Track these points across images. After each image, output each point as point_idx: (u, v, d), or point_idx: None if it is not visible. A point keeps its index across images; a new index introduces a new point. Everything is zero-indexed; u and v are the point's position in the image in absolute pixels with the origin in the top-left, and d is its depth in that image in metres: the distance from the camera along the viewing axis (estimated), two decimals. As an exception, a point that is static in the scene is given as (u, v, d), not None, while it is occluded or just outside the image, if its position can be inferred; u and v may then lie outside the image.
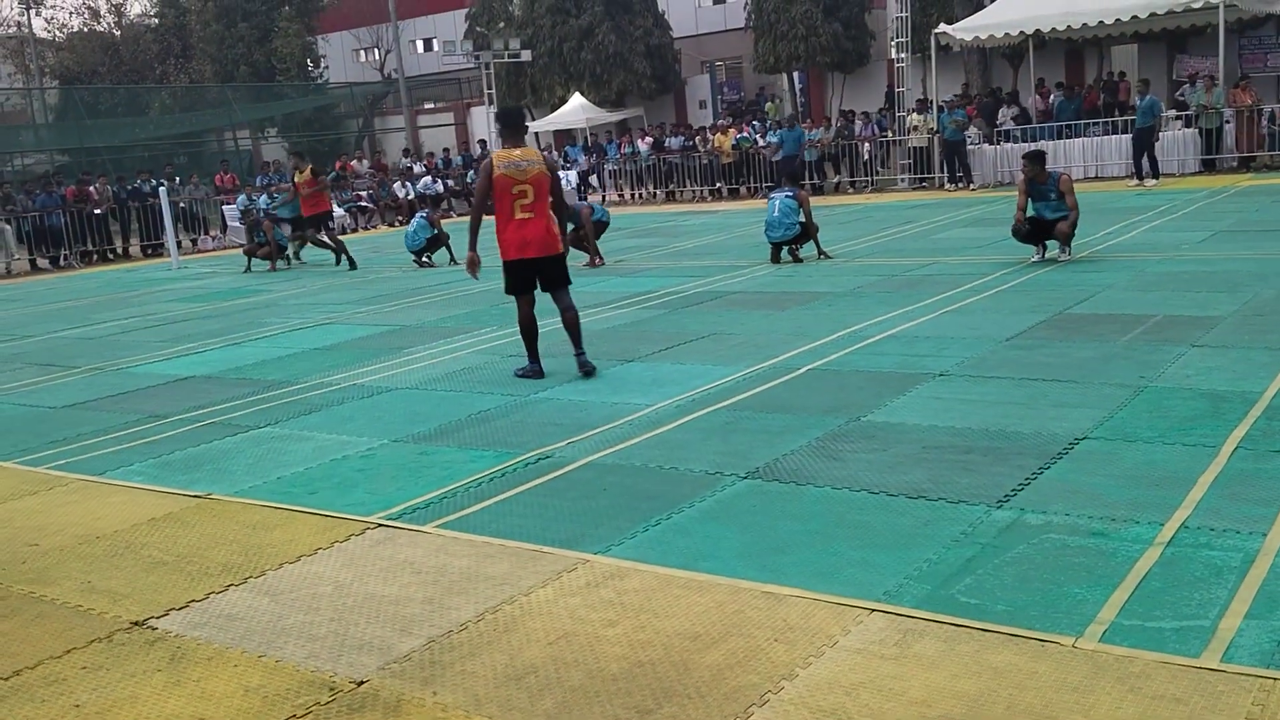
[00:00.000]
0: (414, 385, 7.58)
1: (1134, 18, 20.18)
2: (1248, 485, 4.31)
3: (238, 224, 24.78)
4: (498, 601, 3.81)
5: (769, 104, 31.16)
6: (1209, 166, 19.81)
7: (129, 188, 23.73)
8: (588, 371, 7.26)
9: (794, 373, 6.86)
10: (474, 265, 7.27)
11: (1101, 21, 20.39)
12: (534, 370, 7.39)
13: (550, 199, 7.14)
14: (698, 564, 4.00)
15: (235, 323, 11.50)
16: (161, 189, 21.12)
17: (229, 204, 24.98)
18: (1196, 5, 19.37)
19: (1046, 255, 10.70)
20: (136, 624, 3.89)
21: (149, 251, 23.41)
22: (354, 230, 25.14)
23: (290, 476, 5.59)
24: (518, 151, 7.04)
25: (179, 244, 21.25)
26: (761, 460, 5.16)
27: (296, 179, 16.96)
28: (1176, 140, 19.96)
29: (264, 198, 23.02)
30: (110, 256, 23.22)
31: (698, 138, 26.62)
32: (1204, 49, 23.31)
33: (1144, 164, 18.60)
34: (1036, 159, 10.66)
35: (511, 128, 7.24)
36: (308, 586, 4.10)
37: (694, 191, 25.99)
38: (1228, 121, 19.86)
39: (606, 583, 3.90)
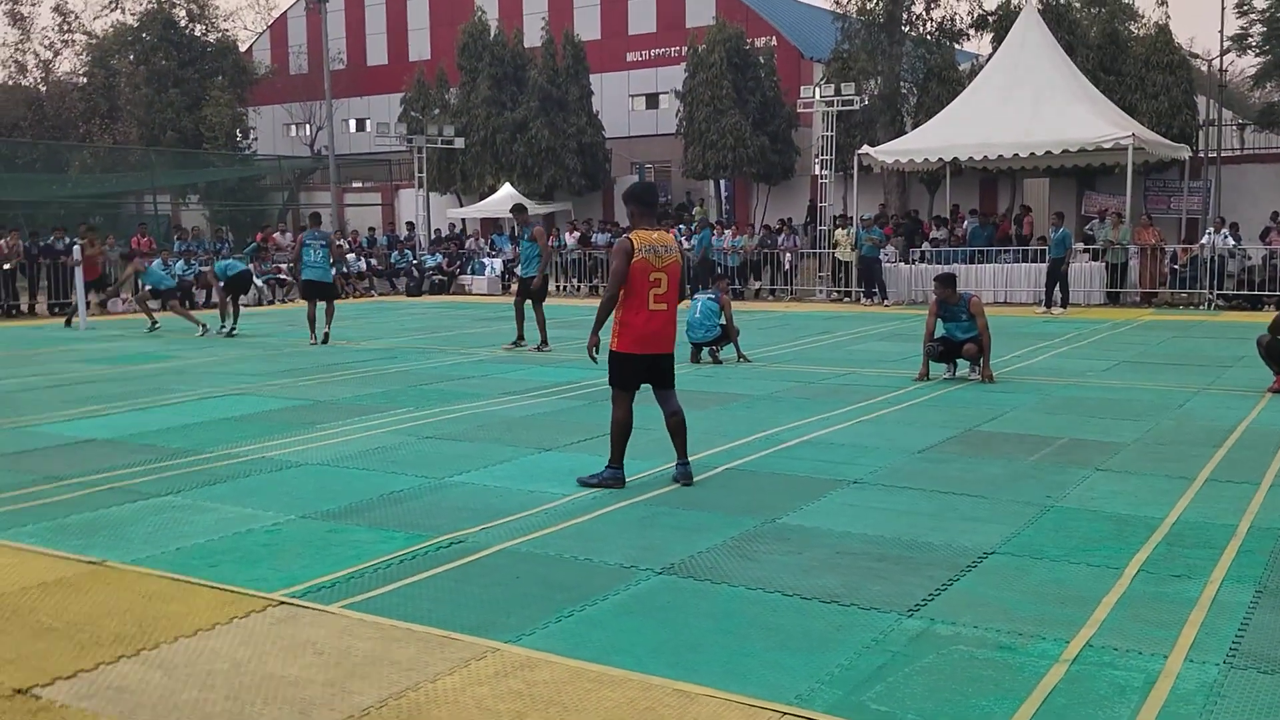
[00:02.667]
0: (325, 461, 7.43)
1: (1047, 153, 21.22)
2: (1150, 607, 4.42)
3: (149, 288, 24.29)
4: (402, 687, 3.70)
5: (696, 208, 31.84)
6: (1113, 299, 20.70)
7: (41, 244, 23.11)
8: (687, 481, 6.54)
9: (711, 471, 6.90)
10: (595, 348, 6.54)
11: (1016, 154, 21.41)
12: (615, 478, 6.50)
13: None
14: (610, 658, 3.94)
15: (142, 387, 11.17)
16: (75, 247, 20.63)
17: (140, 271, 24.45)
18: (1107, 146, 20.48)
19: (956, 374, 11.00)
20: (19, 691, 3.68)
21: (55, 310, 22.72)
22: (271, 302, 24.77)
23: (191, 548, 5.39)
24: (655, 234, 6.39)
25: (87, 305, 20.67)
26: (677, 556, 5.15)
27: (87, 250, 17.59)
28: (1084, 272, 20.85)
29: (180, 263, 22.64)
30: (14, 313, 22.47)
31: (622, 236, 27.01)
32: (1111, 187, 24.55)
33: (1055, 293, 19.38)
34: (947, 281, 11.02)
35: (647, 205, 6.58)
36: (203, 662, 3.93)
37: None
38: (1132, 258, 20.86)
39: (516, 673, 3.82)
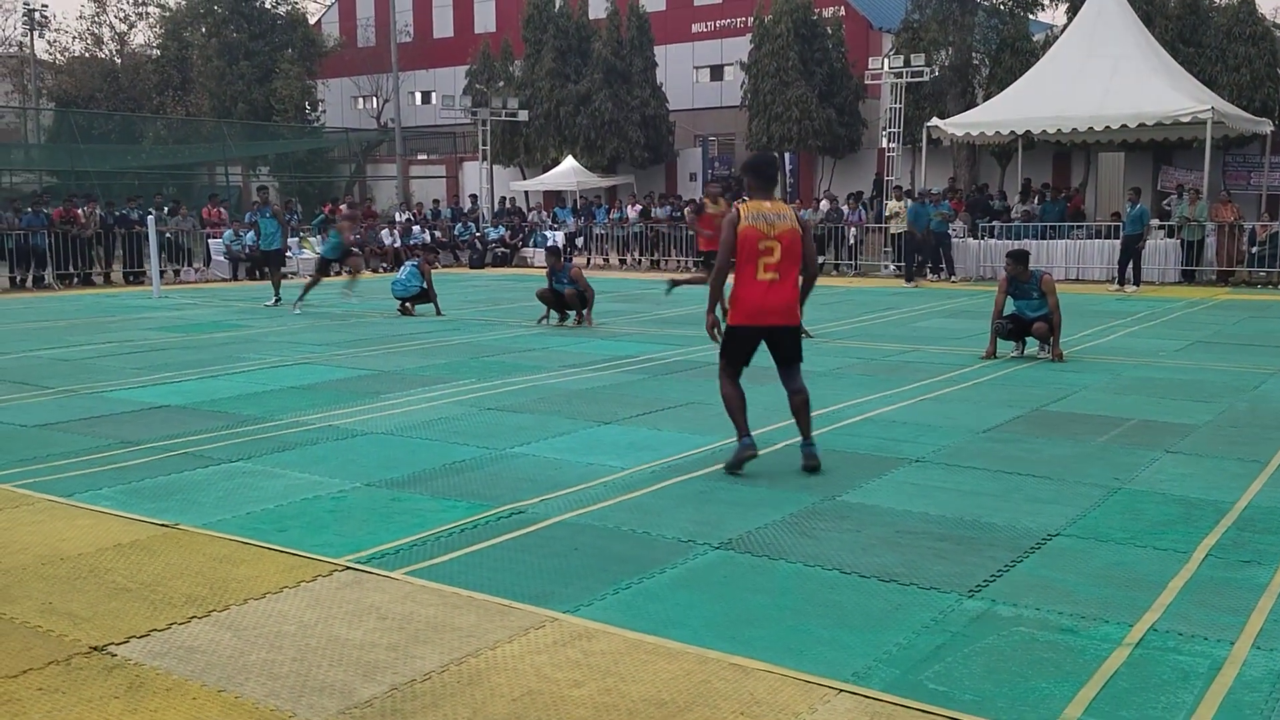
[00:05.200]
0: (389, 430, 7.55)
1: (1123, 126, 20.69)
2: (1217, 593, 4.34)
3: (222, 258, 24.80)
4: (463, 653, 3.77)
5: None
6: (1188, 277, 20.19)
7: (116, 213, 23.68)
8: (813, 466, 6.27)
9: (770, 447, 6.88)
10: (715, 328, 6.46)
11: (1091, 128, 20.90)
12: (744, 448, 6.25)
13: (803, 262, 6.28)
14: (667, 630, 3.97)
15: (213, 355, 11.43)
16: (149, 217, 21.11)
17: (215, 238, 24.96)
18: (1185, 119, 19.90)
19: (1025, 352, 10.82)
20: (96, 649, 3.82)
21: (130, 279, 23.30)
22: (337, 274, 25.12)
23: (260, 513, 5.53)
24: (768, 204, 6.18)
25: (161, 273, 21.17)
26: (734, 531, 5.15)
27: None
28: (1159, 250, 20.36)
29: (250, 234, 23.03)
30: (92, 281, 23.09)
31: (687, 208, 26.93)
32: (1189, 162, 23.91)
33: (1128, 270, 18.95)
34: (1020, 258, 10.84)
35: (764, 178, 6.34)
36: (272, 624, 4.04)
37: (679, 262, 26.22)
38: (1209, 235, 20.31)
39: (574, 642, 3.86)
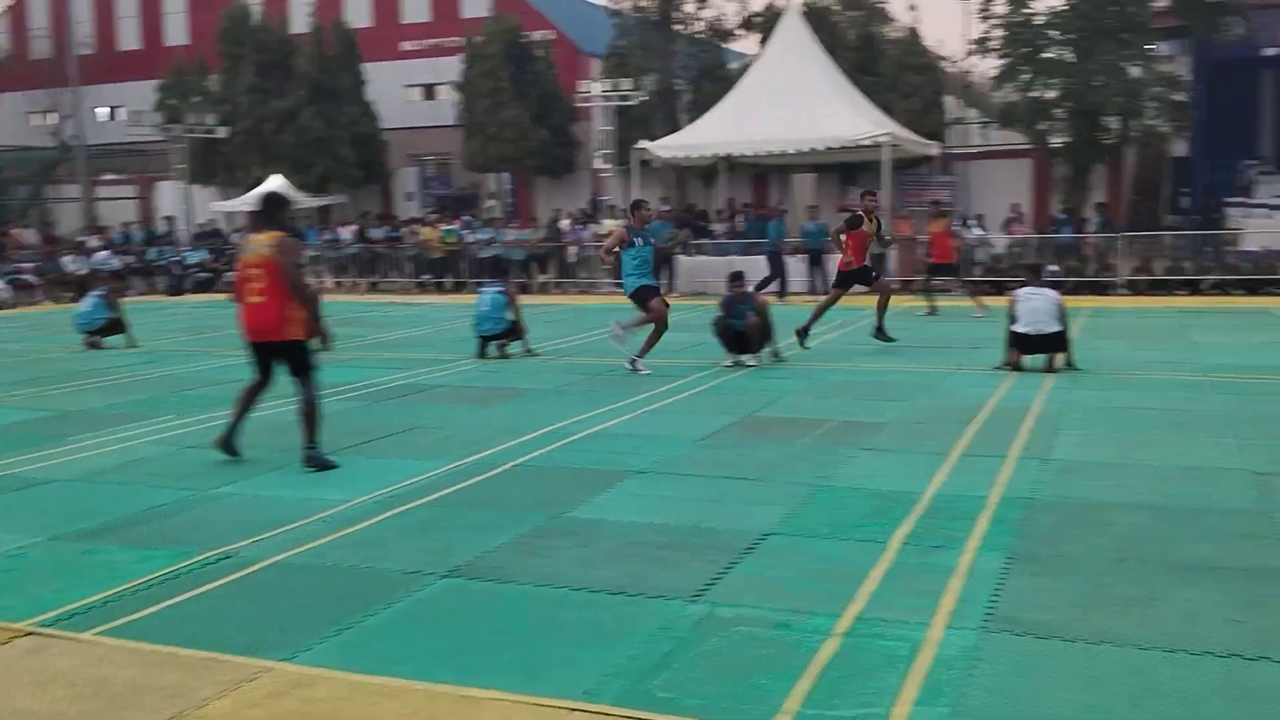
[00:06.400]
0: (78, 477, 6.89)
1: (812, 150, 22.24)
2: (913, 578, 4.68)
3: None
4: (167, 716, 3.47)
5: (491, 203, 31.53)
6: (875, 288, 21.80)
7: None
8: (312, 467, 6.99)
9: (498, 468, 6.83)
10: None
11: (784, 151, 22.31)
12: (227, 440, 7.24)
13: (285, 282, 6.97)
14: (393, 668, 3.83)
15: None
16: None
17: None
18: (866, 143, 21.62)
19: (735, 362, 11.32)
20: None
21: None
22: (13, 306, 22.83)
23: (-81, 579, 4.88)
24: (261, 236, 7.08)
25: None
26: (463, 558, 5.06)
27: None
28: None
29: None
30: None
31: (405, 229, 26.44)
32: (871, 182, 25.89)
33: (816, 281, 20.32)
34: (736, 279, 11.48)
35: (259, 215, 7.36)
36: (-66, 707, 3.56)
37: (398, 283, 25.67)
38: (892, 248, 22.06)
39: (292, 692, 3.65)
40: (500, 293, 12.44)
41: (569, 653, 3.95)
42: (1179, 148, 25.59)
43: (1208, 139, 24.40)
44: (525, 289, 22.94)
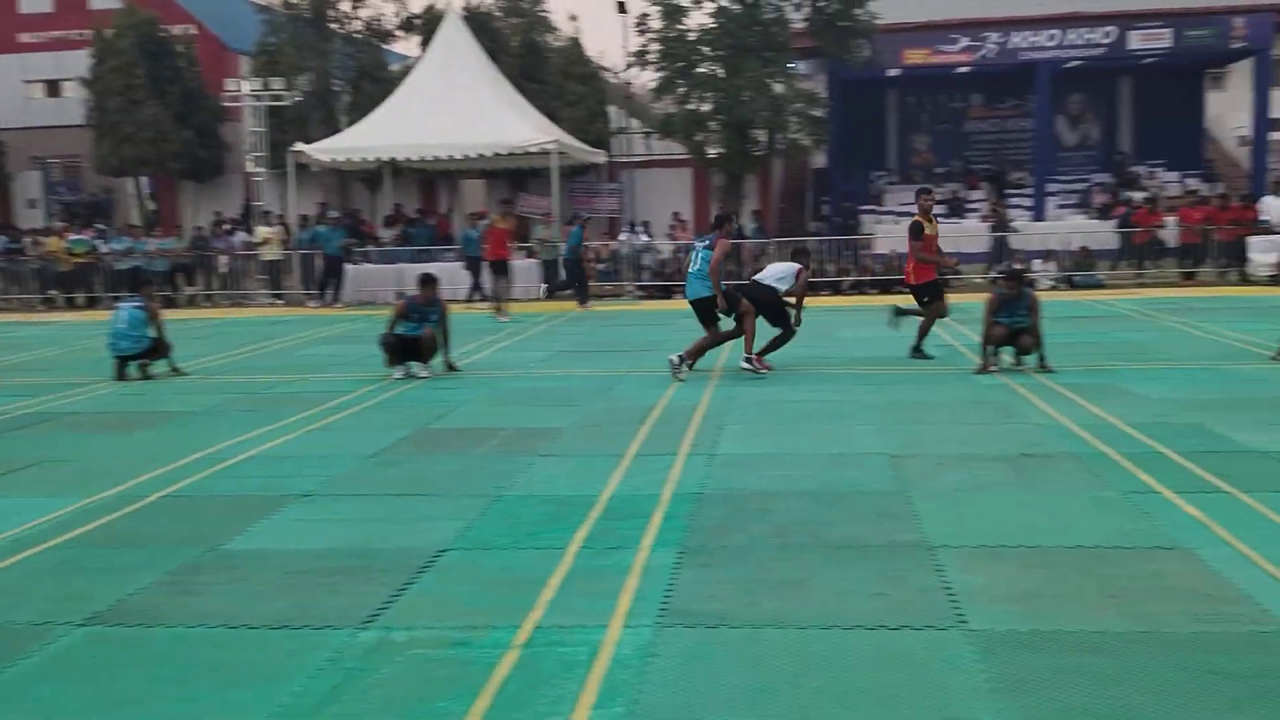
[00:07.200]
0: None
1: (480, 155, 22.12)
2: (591, 581, 4.71)
3: None
4: None
5: (152, 207, 28.97)
6: (550, 294, 22.09)
7: None
8: None
9: (143, 501, 6.23)
10: None
11: (451, 156, 22.07)
12: None
13: None
14: (21, 737, 3.36)
15: None
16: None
17: None
18: (534, 150, 21.80)
19: (406, 374, 11.02)
20: None
21: None
22: None
23: None
24: None
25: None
26: (104, 603, 4.55)
27: None
28: (523, 269, 22.02)
29: None
30: None
31: (26, 240, 23.79)
32: (541, 189, 26.24)
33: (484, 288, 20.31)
34: (427, 281, 10.93)
35: None
36: None
37: (20, 300, 23.06)
38: (563, 255, 22.43)
39: (-114, 782, 3.11)
40: (139, 308, 11.42)
41: (230, 696, 3.64)
42: (819, 159, 27.86)
43: (843, 151, 26.74)
44: (170, 303, 21.31)
